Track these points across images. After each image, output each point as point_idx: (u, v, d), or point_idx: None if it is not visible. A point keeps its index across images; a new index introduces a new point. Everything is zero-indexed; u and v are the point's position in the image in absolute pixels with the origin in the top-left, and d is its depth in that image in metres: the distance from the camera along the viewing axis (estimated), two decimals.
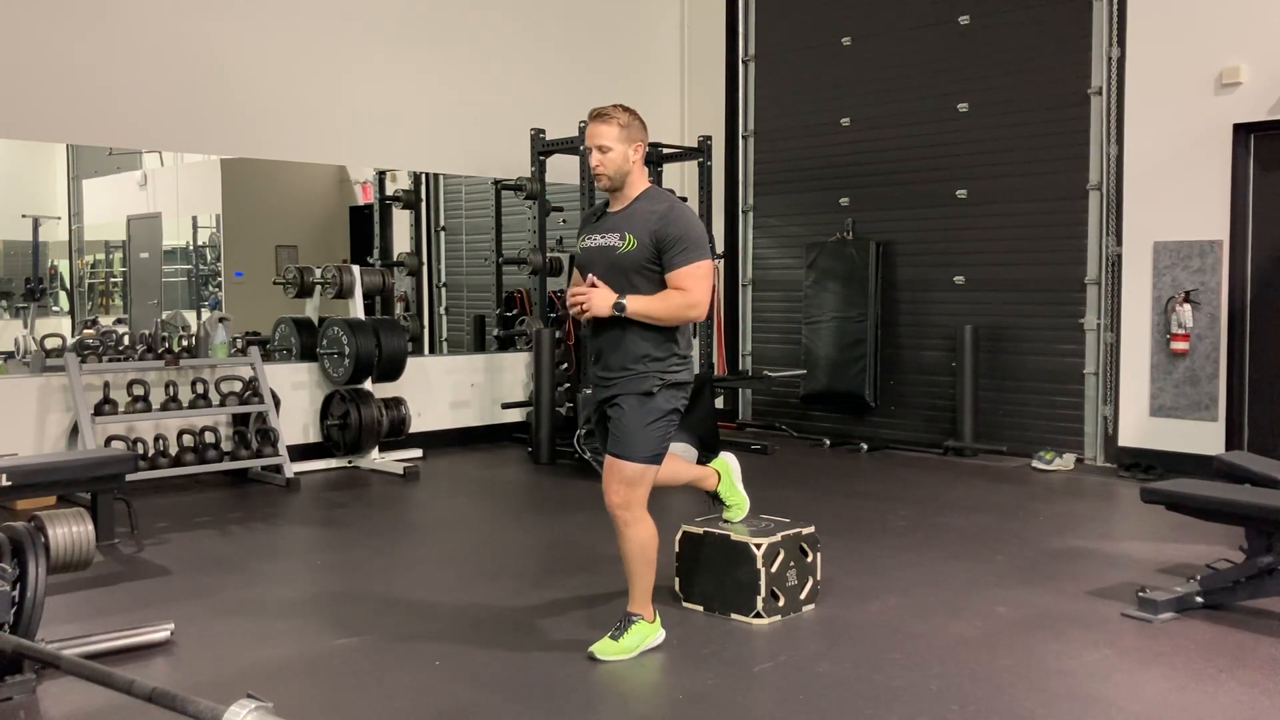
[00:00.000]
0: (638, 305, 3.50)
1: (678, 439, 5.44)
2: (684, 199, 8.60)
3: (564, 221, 8.88)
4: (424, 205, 9.42)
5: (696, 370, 8.24)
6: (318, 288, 7.39)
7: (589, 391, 3.82)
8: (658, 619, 3.71)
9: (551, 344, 7.55)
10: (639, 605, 3.66)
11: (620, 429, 3.56)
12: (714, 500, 4.19)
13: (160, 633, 3.74)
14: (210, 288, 10.13)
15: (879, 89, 8.34)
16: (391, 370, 7.29)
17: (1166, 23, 6.81)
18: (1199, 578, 4.10)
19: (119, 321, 10.18)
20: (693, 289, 3.51)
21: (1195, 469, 5.95)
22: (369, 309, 7.71)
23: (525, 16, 8.61)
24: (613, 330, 3.58)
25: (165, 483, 6.45)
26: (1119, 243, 7.08)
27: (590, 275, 3.59)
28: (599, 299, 3.50)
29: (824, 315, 8.47)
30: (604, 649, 3.59)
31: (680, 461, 4.09)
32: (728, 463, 4.20)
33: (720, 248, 8.85)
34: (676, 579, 4.16)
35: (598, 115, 3.60)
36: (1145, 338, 6.95)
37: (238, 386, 6.66)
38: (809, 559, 4.12)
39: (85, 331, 7.78)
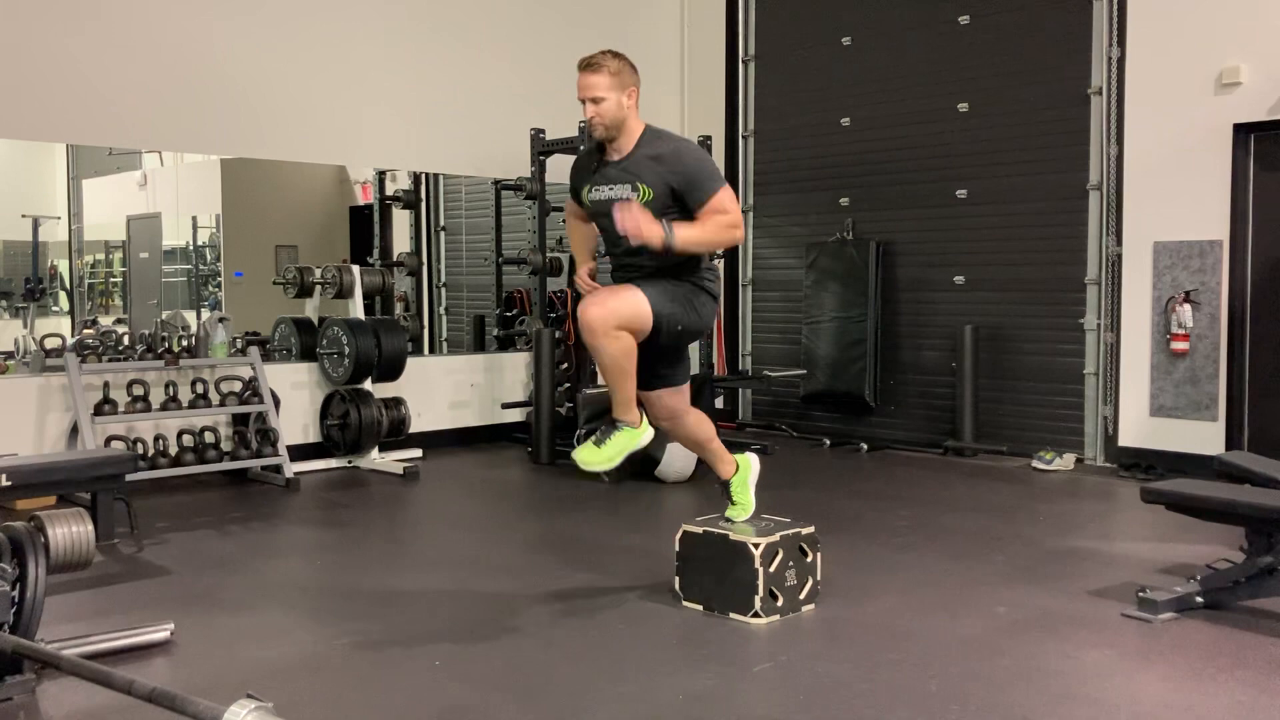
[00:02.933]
0: (686, 233, 3.46)
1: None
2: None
3: (563, 221, 8.87)
4: (424, 205, 9.43)
5: (696, 370, 8.24)
6: (318, 288, 7.38)
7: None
8: (644, 422, 3.71)
9: (551, 344, 7.55)
10: (623, 411, 3.67)
11: (652, 282, 3.59)
12: (723, 491, 4.19)
13: (160, 633, 3.73)
14: (210, 288, 10.13)
15: (879, 89, 8.34)
16: (391, 370, 7.28)
17: (1166, 23, 6.81)
18: (1199, 578, 4.09)
19: (119, 321, 10.18)
20: (731, 210, 3.52)
21: (1195, 469, 5.95)
22: (369, 309, 7.71)
23: (525, 16, 8.61)
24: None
25: (165, 483, 6.45)
26: (1119, 243, 7.08)
27: (632, 202, 3.54)
28: (648, 225, 3.42)
29: (824, 315, 8.47)
30: (586, 456, 3.63)
31: (711, 426, 4.11)
32: (750, 461, 4.19)
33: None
34: (676, 577, 4.16)
35: (587, 65, 3.55)
36: (1145, 338, 6.95)
37: (238, 386, 6.66)
38: (808, 559, 4.11)
39: (85, 331, 7.80)
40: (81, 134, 7.06)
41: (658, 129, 3.75)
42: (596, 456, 3.60)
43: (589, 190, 3.66)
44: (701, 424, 4.09)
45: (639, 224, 3.43)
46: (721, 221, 3.51)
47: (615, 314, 3.51)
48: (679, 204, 3.52)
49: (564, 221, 4.10)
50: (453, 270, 10.19)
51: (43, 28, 6.40)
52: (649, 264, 3.64)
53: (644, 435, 3.70)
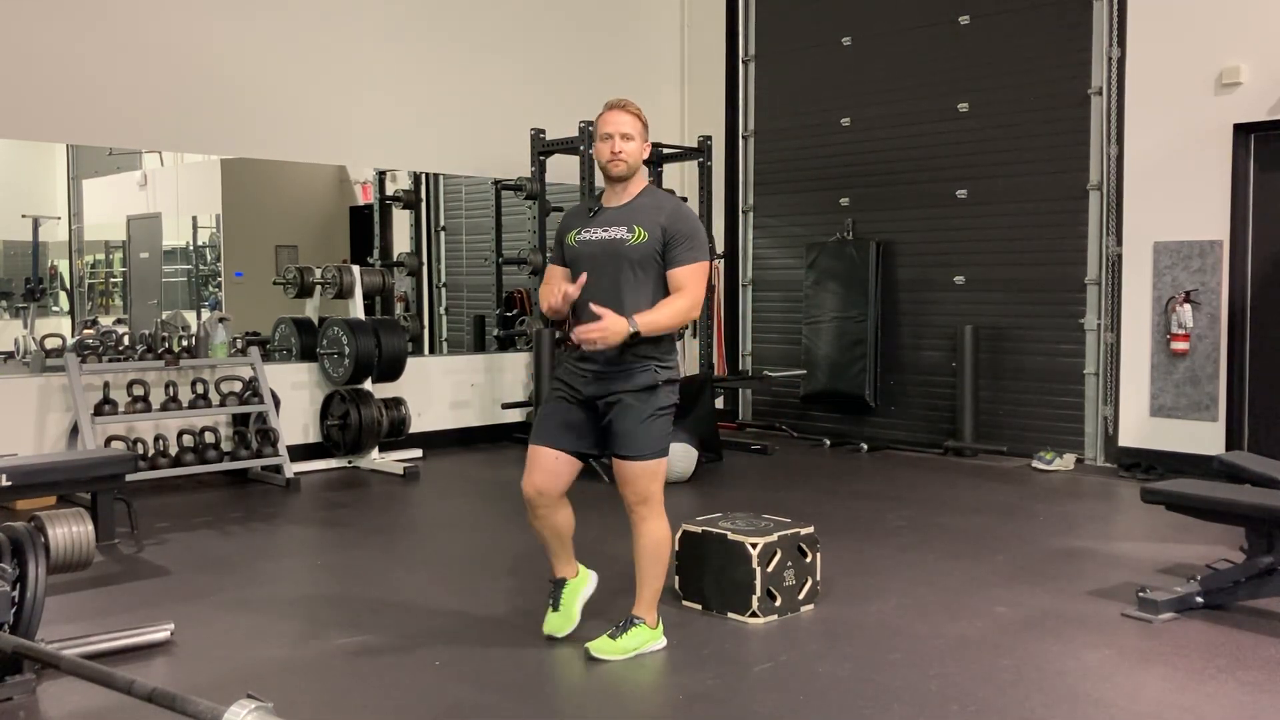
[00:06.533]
0: (647, 319, 3.44)
1: (677, 439, 5.45)
2: (684, 199, 8.60)
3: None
4: (424, 205, 9.42)
5: (696, 370, 8.23)
6: (318, 288, 7.39)
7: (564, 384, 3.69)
8: (660, 626, 3.69)
9: (551, 344, 7.54)
10: (643, 609, 3.64)
11: (625, 428, 3.53)
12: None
13: (160, 633, 3.74)
14: (210, 288, 10.13)
15: (879, 89, 8.34)
16: (391, 370, 7.28)
17: (1166, 23, 6.80)
18: (1199, 578, 4.09)
19: (119, 322, 10.17)
20: (692, 290, 3.53)
21: (1195, 469, 5.95)
22: (369, 309, 7.71)
23: (525, 16, 8.61)
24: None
25: (165, 483, 6.45)
26: (1119, 243, 7.08)
27: (596, 308, 3.44)
28: (614, 327, 3.39)
29: (824, 315, 8.47)
30: (600, 647, 3.58)
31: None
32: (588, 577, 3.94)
33: (720, 248, 8.85)
34: (676, 577, 4.17)
35: (620, 105, 3.59)
36: (1145, 338, 6.95)
37: (238, 386, 6.66)
38: (808, 559, 4.11)
39: (85, 331, 7.78)
40: (81, 134, 7.06)
41: (660, 189, 3.83)
42: (611, 649, 3.57)
43: (578, 233, 3.61)
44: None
45: (604, 329, 3.37)
46: (681, 305, 3.50)
47: (646, 483, 3.57)
48: (664, 254, 3.52)
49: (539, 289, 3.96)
50: (453, 270, 10.18)
51: (43, 28, 6.40)
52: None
53: (658, 640, 3.67)
